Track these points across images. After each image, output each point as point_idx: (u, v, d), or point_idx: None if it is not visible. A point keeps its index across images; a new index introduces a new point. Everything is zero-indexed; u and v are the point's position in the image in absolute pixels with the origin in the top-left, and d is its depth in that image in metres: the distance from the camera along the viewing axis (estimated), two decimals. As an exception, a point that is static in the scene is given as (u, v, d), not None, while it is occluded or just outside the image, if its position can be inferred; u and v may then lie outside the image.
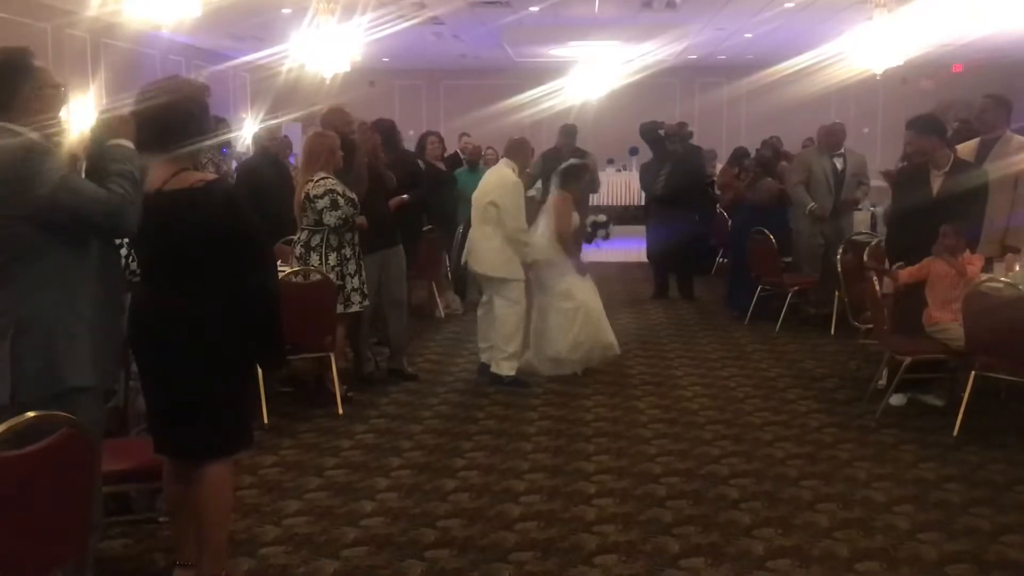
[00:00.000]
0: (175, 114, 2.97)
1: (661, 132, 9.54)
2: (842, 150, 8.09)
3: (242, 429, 3.22)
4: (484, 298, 6.43)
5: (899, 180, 6.05)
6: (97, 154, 2.83)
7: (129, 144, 2.83)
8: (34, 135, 2.70)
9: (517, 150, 6.30)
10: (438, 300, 8.58)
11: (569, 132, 9.00)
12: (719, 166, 11.54)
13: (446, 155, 9.49)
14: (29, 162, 2.61)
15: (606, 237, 6.74)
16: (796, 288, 7.93)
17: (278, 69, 12.52)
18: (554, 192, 6.48)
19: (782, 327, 7.84)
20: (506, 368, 6.16)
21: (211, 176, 3.15)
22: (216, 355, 3.02)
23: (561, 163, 6.82)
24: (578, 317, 6.32)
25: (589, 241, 6.85)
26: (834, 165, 8.04)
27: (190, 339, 2.99)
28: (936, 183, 5.53)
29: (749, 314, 8.15)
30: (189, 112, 3.00)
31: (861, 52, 11.23)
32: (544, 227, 6.37)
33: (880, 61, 11.04)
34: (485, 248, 6.11)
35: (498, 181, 6.15)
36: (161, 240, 2.99)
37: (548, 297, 6.36)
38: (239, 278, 3.00)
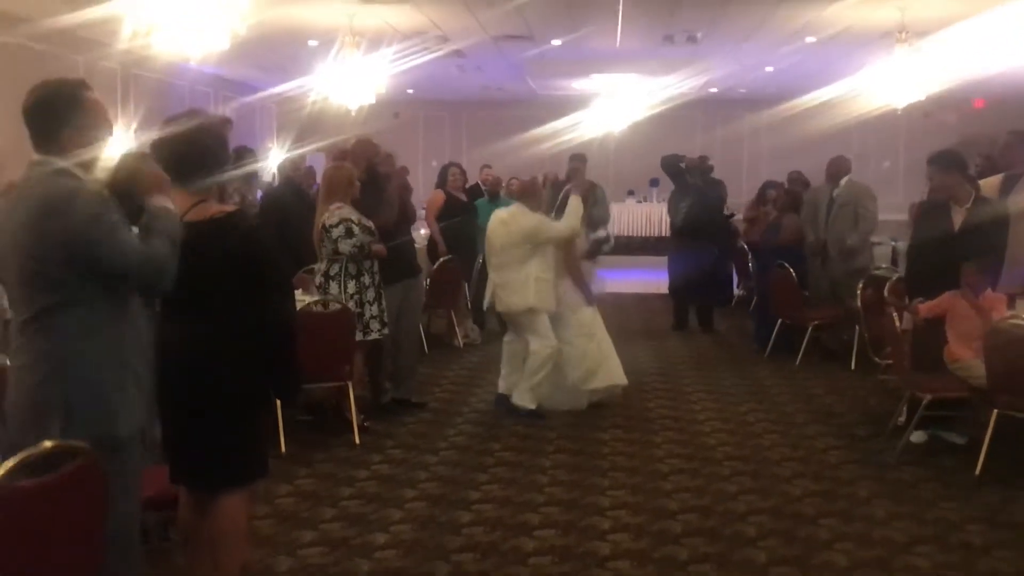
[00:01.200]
0: (193, 146, 3.00)
1: (682, 165, 9.53)
2: (842, 181, 8.02)
3: (257, 459, 3.20)
4: (510, 334, 6.42)
5: (920, 215, 6.00)
6: (124, 194, 2.80)
7: (171, 206, 2.77)
8: (80, 173, 2.62)
9: (530, 193, 6.33)
10: (457, 329, 8.57)
11: (578, 159, 8.99)
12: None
13: (468, 186, 9.52)
14: (76, 210, 2.51)
15: (607, 251, 6.64)
16: (816, 323, 7.84)
17: (304, 100, 12.65)
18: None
19: (802, 361, 7.75)
20: (528, 399, 6.15)
21: (230, 207, 3.17)
22: (232, 385, 3.02)
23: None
24: (591, 349, 6.30)
25: (592, 257, 6.84)
26: (831, 196, 7.99)
27: (207, 369, 2.99)
28: (957, 219, 5.48)
29: (769, 348, 8.07)
30: (206, 145, 3.03)
31: (882, 87, 11.18)
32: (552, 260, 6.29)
33: (901, 96, 10.99)
34: (512, 288, 6.10)
35: (524, 222, 6.09)
36: (180, 270, 2.99)
37: (561, 331, 6.29)
38: (256, 309, 3.00)
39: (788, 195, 8.55)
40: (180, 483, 3.23)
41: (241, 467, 3.13)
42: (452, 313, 8.60)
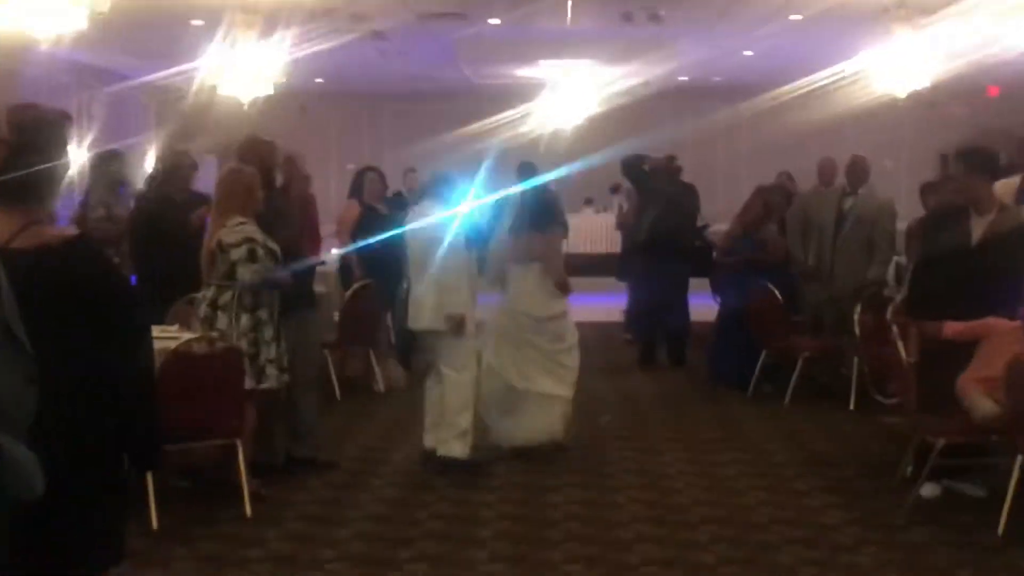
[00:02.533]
0: (17, 154, 2.87)
1: (645, 167, 9.58)
2: (861, 189, 8.05)
3: (109, 541, 3.09)
4: (432, 376, 6.41)
5: (931, 222, 6.05)
6: None
7: None
8: None
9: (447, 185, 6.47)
10: (376, 372, 8.46)
11: (527, 171, 9.12)
12: None
13: (389, 194, 9.44)
14: None
15: None
16: (807, 354, 7.89)
17: (187, 92, 12.51)
18: (533, 235, 6.65)
19: (792, 400, 7.79)
20: (458, 449, 6.10)
21: (70, 232, 3.07)
22: (73, 450, 2.89)
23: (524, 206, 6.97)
24: (571, 359, 6.64)
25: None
26: (839, 208, 8.03)
27: (41, 430, 2.85)
28: (977, 229, 5.49)
29: (752, 385, 8.10)
30: (35, 151, 2.90)
31: (881, 73, 11.41)
32: (538, 277, 6.54)
33: (903, 83, 11.22)
34: (426, 300, 6.20)
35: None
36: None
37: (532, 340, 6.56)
38: (102, 359, 2.90)
39: (765, 207, 8.59)
40: (10, 572, 3.08)
41: (87, 551, 3.00)
42: (371, 352, 8.49)
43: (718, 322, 9.03)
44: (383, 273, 8.39)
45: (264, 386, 5.52)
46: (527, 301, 6.59)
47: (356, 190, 8.90)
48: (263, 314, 5.52)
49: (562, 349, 6.64)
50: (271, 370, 5.53)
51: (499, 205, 9.23)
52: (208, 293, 5.54)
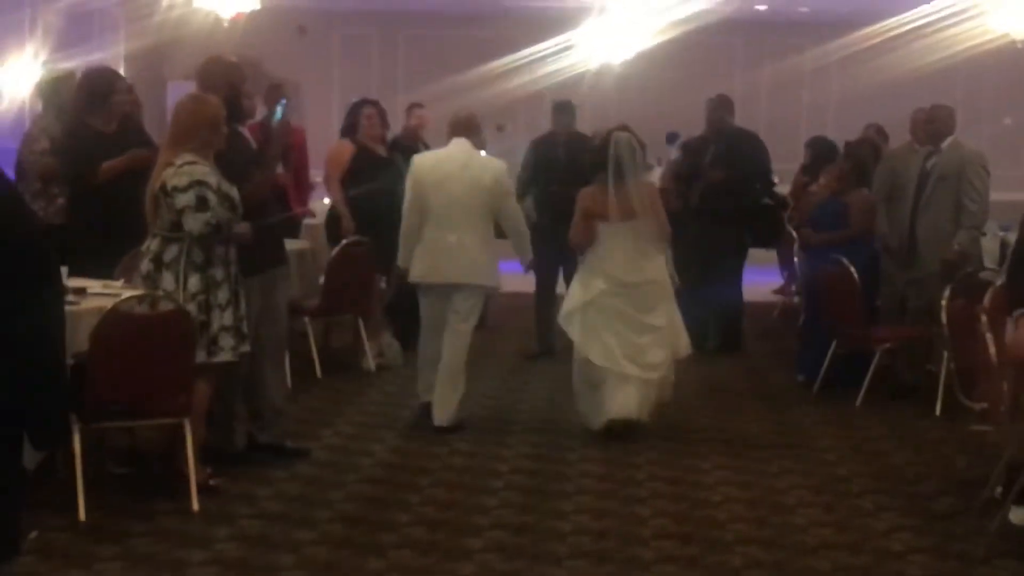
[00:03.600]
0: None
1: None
2: (944, 143, 7.93)
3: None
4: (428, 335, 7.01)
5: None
6: None
7: None
8: None
9: (476, 128, 7.04)
10: (366, 345, 8.49)
11: (565, 110, 9.46)
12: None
13: (392, 136, 9.42)
14: None
15: None
16: (887, 346, 7.81)
17: (158, 5, 12.55)
18: (634, 181, 6.94)
19: (865, 401, 7.75)
20: (456, 412, 6.88)
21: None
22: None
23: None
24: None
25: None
26: (923, 168, 7.92)
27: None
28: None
29: (819, 380, 8.04)
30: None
31: (997, 8, 11.23)
32: (639, 233, 6.89)
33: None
34: (481, 253, 6.90)
35: (489, 164, 7.08)
36: None
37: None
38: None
39: (850, 159, 8.48)
40: None
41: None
42: (360, 321, 8.50)
43: (805, 303, 8.96)
44: (379, 228, 8.39)
45: (218, 359, 5.54)
46: (620, 261, 6.86)
47: (349, 127, 8.89)
48: (217, 273, 5.52)
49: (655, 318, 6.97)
50: (226, 340, 5.54)
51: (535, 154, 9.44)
52: (152, 245, 5.56)
